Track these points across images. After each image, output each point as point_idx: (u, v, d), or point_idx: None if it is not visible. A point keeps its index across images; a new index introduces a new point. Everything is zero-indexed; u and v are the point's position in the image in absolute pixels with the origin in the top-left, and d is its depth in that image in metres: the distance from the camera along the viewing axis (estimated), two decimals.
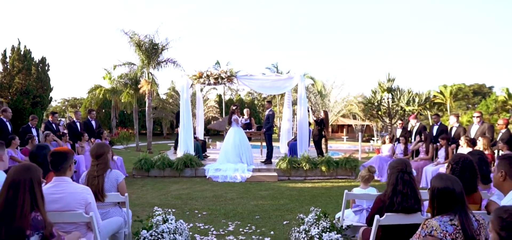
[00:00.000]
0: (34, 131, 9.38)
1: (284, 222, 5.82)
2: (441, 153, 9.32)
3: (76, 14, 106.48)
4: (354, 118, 38.04)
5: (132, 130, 34.58)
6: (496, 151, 8.14)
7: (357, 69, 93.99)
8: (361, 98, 24.85)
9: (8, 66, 18.69)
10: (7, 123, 8.68)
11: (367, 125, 44.78)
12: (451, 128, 10.08)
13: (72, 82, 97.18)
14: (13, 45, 19.18)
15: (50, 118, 9.96)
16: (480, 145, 7.94)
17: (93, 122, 10.59)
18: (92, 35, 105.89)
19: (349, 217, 4.31)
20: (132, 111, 36.16)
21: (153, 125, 34.72)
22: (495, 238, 1.86)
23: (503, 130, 8.23)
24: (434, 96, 33.22)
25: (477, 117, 9.20)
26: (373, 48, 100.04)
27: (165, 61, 27.19)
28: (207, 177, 10.11)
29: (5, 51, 18.63)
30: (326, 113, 12.14)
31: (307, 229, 4.35)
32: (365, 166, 5.01)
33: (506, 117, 9.33)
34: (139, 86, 27.81)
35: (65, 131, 9.90)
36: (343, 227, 4.16)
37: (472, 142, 8.38)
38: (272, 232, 5.33)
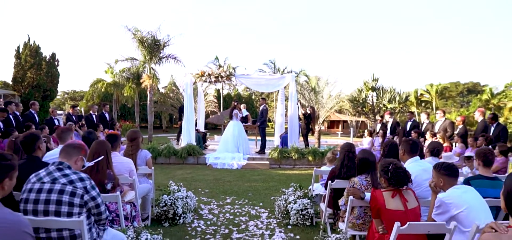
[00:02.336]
0: (56, 121, 10.74)
1: (272, 198, 7.21)
2: None
3: (77, 8, 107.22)
4: (355, 114, 39.51)
5: (133, 123, 35.82)
6: (453, 143, 9.59)
7: (352, 67, 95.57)
8: (350, 96, 26.40)
9: (21, 62, 19.95)
10: (35, 115, 10.03)
11: (362, 121, 46.15)
12: (422, 124, 11.56)
13: (71, 75, 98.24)
14: (25, 42, 20.42)
15: (70, 111, 11.31)
16: (439, 137, 9.41)
17: (106, 115, 11.93)
18: (91, 30, 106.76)
19: (318, 188, 5.70)
20: (133, 105, 37.40)
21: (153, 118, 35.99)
22: (379, 177, 3.28)
23: (460, 126, 9.66)
24: (421, 94, 34.86)
25: (441, 114, 10.67)
26: (367, 48, 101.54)
27: (166, 57, 28.30)
28: (208, 164, 11.51)
29: (18, 47, 19.89)
30: (313, 109, 13.56)
31: (286, 198, 5.77)
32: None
33: (464, 115, 10.75)
34: (141, 80, 29.05)
35: (84, 123, 11.23)
36: (313, 195, 5.59)
37: (435, 136, 9.84)
38: (261, 203, 6.76)
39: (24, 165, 3.41)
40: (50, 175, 2.79)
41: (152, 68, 28.71)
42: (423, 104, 34.08)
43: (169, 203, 5.33)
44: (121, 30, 26.14)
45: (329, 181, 4.50)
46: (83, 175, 2.88)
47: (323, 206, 4.96)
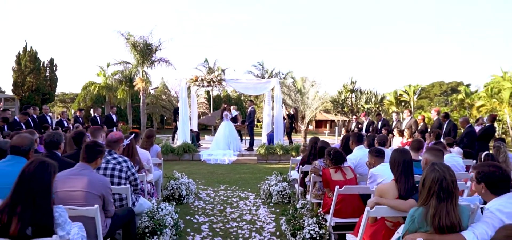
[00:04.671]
0: (65, 123, 11.96)
1: (258, 185, 8.59)
2: None
3: (67, 11, 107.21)
4: (336, 114, 41.21)
5: (126, 124, 36.77)
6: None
7: (339, 68, 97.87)
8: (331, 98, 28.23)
9: (21, 67, 20.99)
10: (48, 117, 11.25)
11: (349, 120, 47.73)
12: (392, 122, 13.09)
13: (60, 78, 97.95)
14: (24, 48, 21.47)
15: (78, 114, 12.53)
16: (406, 134, 10.92)
17: (114, 117, 13.13)
18: (81, 32, 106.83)
19: (294, 174, 7.11)
20: (125, 107, 38.39)
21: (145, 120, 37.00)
22: (326, 159, 4.69)
23: (421, 124, 11.19)
24: (400, 94, 36.85)
25: (407, 113, 12.20)
26: (353, 51, 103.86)
27: (158, 60, 29.45)
28: (202, 160, 12.84)
29: (19, 53, 20.94)
30: (295, 109, 14.99)
31: (270, 182, 7.17)
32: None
33: (423, 114, 12.31)
34: (134, 83, 30.14)
35: (90, 124, 12.45)
36: (290, 179, 7.01)
37: (401, 132, 11.36)
38: (249, 189, 8.15)
39: (76, 154, 4.72)
40: (104, 158, 4.13)
41: (145, 71, 29.82)
42: (402, 104, 36.07)
43: (175, 187, 6.68)
44: (113, 34, 27.23)
45: (300, 166, 5.90)
46: (126, 158, 4.23)
47: (297, 186, 6.37)
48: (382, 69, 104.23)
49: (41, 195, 2.40)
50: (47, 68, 22.22)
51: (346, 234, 3.85)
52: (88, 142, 3.54)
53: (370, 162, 4.63)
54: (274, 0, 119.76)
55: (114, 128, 12.96)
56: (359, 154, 5.27)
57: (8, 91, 23.58)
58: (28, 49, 21.40)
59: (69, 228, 2.56)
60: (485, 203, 2.74)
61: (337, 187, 4.11)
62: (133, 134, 5.01)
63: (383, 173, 4.37)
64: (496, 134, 30.70)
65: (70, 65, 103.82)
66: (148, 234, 4.22)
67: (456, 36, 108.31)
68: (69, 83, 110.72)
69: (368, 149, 5.51)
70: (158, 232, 4.26)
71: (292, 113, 14.61)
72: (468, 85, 57.89)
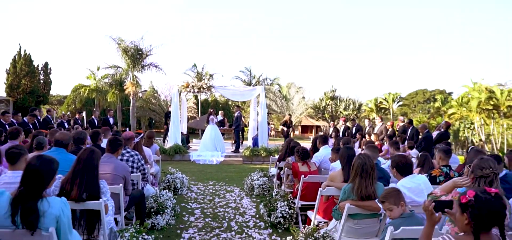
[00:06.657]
0: (66, 124, 12.91)
1: (243, 181, 9.73)
2: (356, 145, 13.54)
3: (54, 12, 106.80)
4: (318, 120, 42.70)
5: (116, 127, 37.34)
6: (385, 142, 12.39)
7: (323, 75, 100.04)
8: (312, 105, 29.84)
9: (17, 70, 21.76)
10: (51, 119, 12.20)
11: (334, 126, 49.16)
12: (365, 128, 14.40)
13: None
14: (18, 51, 22.23)
15: (77, 116, 13.49)
16: (373, 138, 12.21)
17: (111, 119, 14.11)
18: (70, 34, 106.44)
19: (273, 170, 8.28)
20: (115, 110, 39.08)
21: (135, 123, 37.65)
22: (295, 155, 5.87)
23: (390, 129, 12.51)
24: (381, 102, 38.64)
25: (379, 119, 13.52)
26: (340, 58, 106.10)
27: (148, 65, 30.36)
28: (192, 160, 13.91)
29: (14, 57, 21.71)
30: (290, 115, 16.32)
31: (252, 178, 8.33)
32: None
33: (392, 120, 13.66)
34: (124, 87, 30.97)
35: (88, 126, 13.43)
36: (270, 175, 8.17)
37: (369, 136, 12.65)
38: (235, 184, 9.29)
39: None
40: None
41: (135, 75, 30.66)
42: (382, 111, 37.81)
43: (171, 180, 7.79)
44: (104, 38, 27.86)
45: (277, 162, 7.08)
46: (136, 152, 5.35)
47: (275, 180, 7.54)
48: (367, 77, 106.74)
49: (92, 172, 3.50)
50: (42, 71, 23.00)
51: (308, 212, 5.02)
52: (111, 137, 4.65)
53: (332, 158, 5.82)
54: (261, 2, 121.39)
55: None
56: (324, 152, 6.48)
57: (1, 92, 24.23)
58: (23, 52, 22.18)
59: (108, 196, 3.67)
60: None
61: (302, 176, 5.29)
62: (141, 135, 6.11)
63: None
64: (474, 140, 32.61)
65: (58, 68, 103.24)
66: (153, 213, 5.33)
67: (440, 46, 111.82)
68: (56, 85, 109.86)
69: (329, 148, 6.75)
70: (161, 212, 5.38)
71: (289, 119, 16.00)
72: (450, 93, 59.91)
